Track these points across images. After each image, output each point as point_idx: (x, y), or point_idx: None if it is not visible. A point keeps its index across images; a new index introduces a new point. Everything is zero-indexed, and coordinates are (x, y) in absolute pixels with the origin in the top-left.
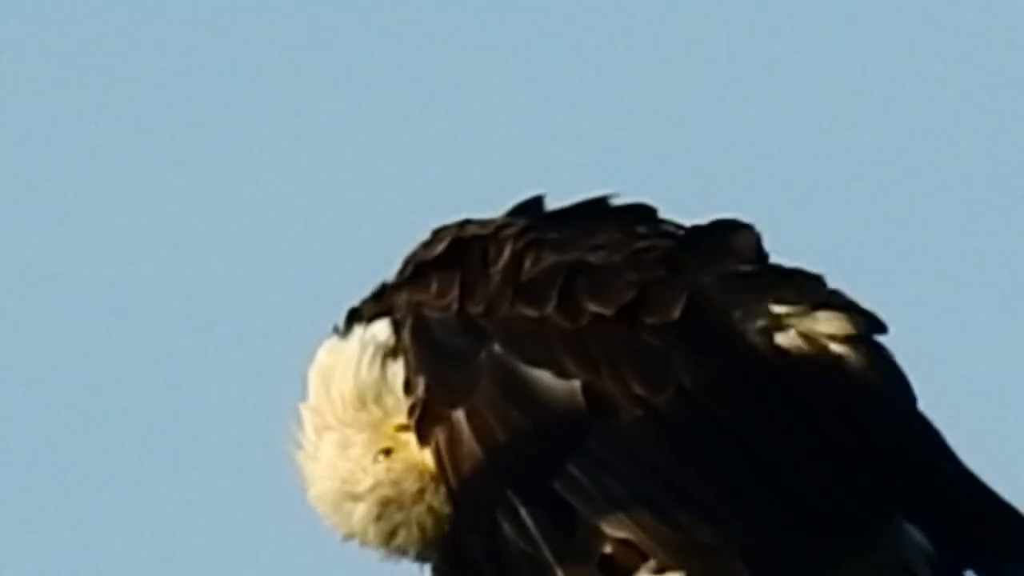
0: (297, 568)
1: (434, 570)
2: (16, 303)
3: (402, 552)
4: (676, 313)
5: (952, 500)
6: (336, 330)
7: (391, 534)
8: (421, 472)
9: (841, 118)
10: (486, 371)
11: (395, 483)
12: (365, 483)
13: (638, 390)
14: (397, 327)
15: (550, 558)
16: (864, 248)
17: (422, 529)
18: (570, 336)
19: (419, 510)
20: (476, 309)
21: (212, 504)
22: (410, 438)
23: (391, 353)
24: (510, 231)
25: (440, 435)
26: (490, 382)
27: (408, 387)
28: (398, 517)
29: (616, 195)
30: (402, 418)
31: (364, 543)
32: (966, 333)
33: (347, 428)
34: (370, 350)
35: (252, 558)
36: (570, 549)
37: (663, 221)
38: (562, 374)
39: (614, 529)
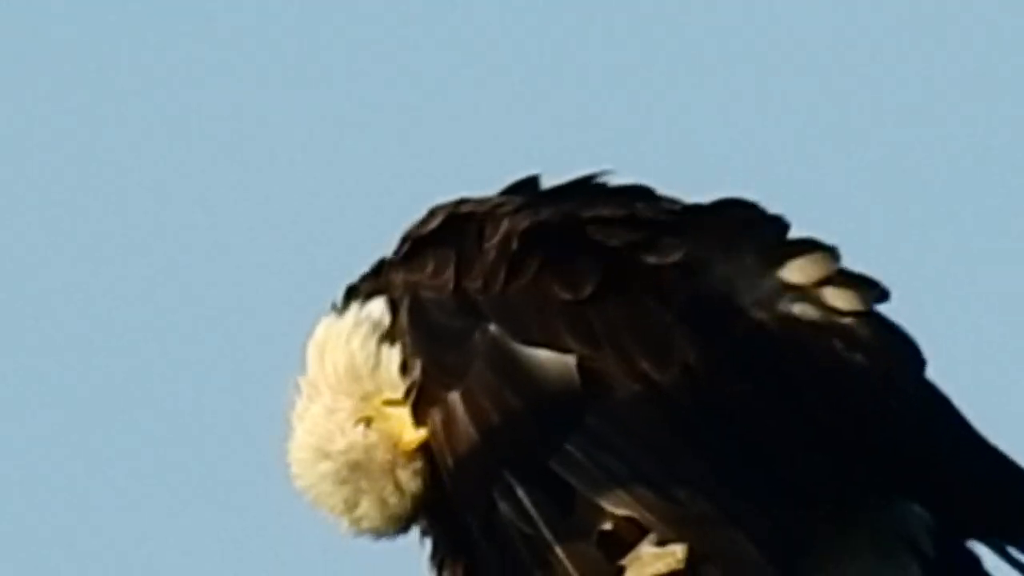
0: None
1: (432, 551)
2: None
3: (362, 525)
4: (679, 256)
5: (960, 469)
6: (334, 307)
7: (354, 502)
8: (395, 445)
9: (834, 95)
10: (481, 352)
11: (368, 450)
12: (339, 444)
13: (643, 366)
14: (394, 307)
15: (549, 537)
16: (865, 216)
17: (384, 503)
18: (571, 310)
19: (385, 483)
20: (473, 285)
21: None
22: (393, 412)
23: (387, 334)
24: (506, 209)
25: (436, 417)
26: (485, 363)
27: (405, 368)
28: (363, 485)
29: (611, 172)
30: (392, 394)
31: (329, 509)
32: (971, 297)
33: (338, 395)
34: (365, 326)
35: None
36: (568, 527)
37: (661, 198)
38: (564, 349)
39: (613, 506)
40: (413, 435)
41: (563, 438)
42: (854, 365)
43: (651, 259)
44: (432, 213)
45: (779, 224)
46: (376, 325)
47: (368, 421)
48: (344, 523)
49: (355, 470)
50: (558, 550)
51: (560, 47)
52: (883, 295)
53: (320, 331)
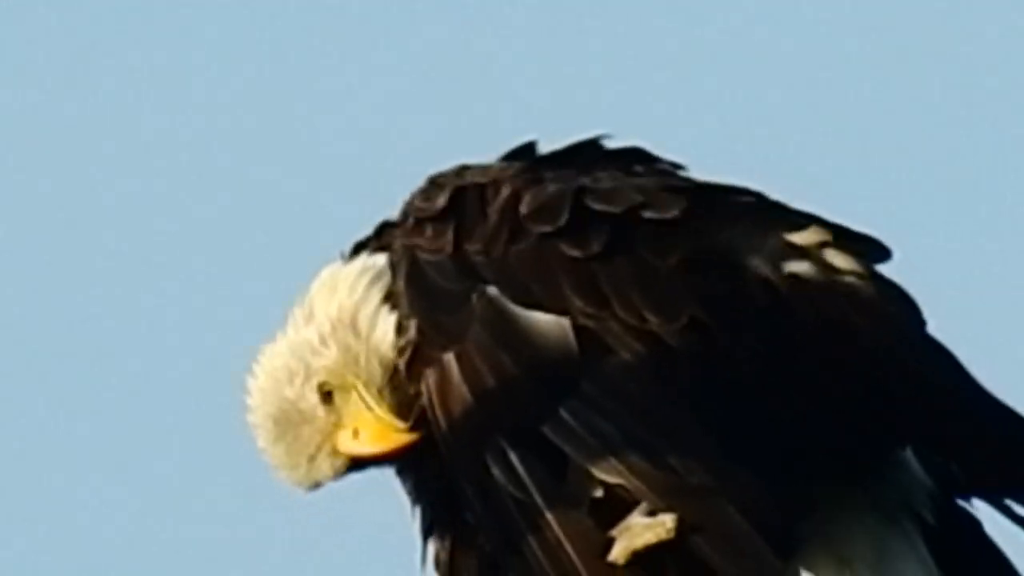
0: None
1: (421, 520)
2: None
3: (271, 461)
4: (678, 211)
5: (965, 423)
6: (342, 256)
7: (272, 442)
8: (329, 438)
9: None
10: (478, 315)
11: (309, 418)
12: (292, 392)
13: (650, 320)
14: (393, 269)
15: (540, 503)
16: (864, 175)
17: (295, 465)
18: (576, 267)
19: (303, 454)
20: (474, 247)
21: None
22: (356, 405)
23: (387, 296)
24: (507, 174)
25: (430, 377)
26: (481, 326)
27: (400, 329)
28: (288, 438)
29: (609, 136)
30: (367, 380)
31: (254, 428)
32: (972, 253)
33: (332, 335)
34: (370, 274)
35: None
36: (560, 494)
37: (660, 160)
38: (565, 311)
39: (604, 473)
40: (351, 445)
41: (558, 403)
42: (857, 323)
43: (650, 214)
44: (434, 183)
45: (778, 208)
46: (380, 275)
47: (330, 395)
48: (262, 449)
49: (289, 423)
50: (549, 516)
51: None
52: (885, 255)
53: (326, 274)
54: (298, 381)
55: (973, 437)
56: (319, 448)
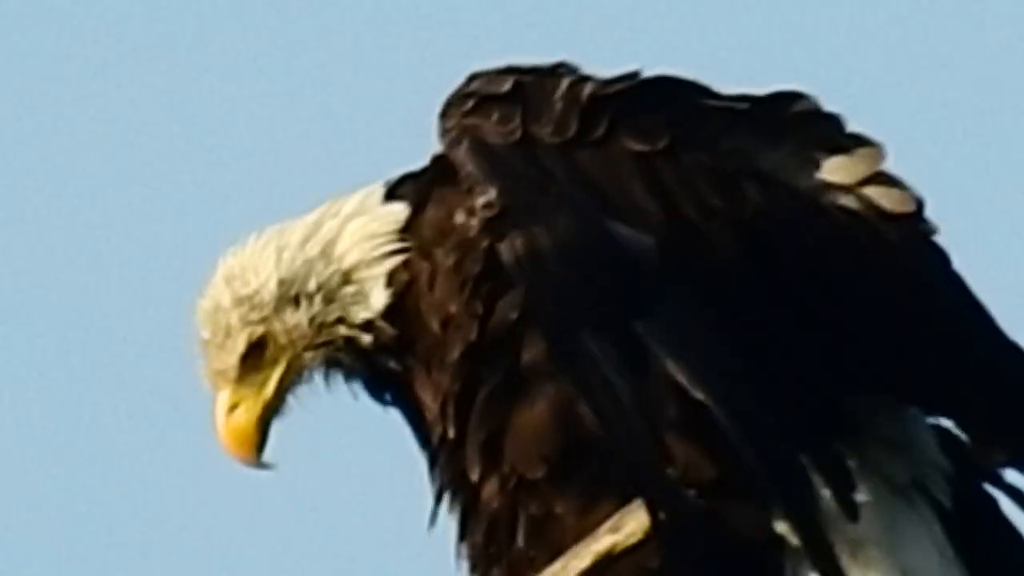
0: None
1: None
2: None
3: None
4: (746, 105)
5: (991, 375)
6: (386, 184)
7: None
8: (220, 378)
9: None
10: (563, 205)
11: (224, 341)
12: (230, 299)
13: (717, 204)
14: (439, 163)
15: (625, 385)
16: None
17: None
18: (644, 166)
19: (208, 365)
20: (543, 131)
21: None
22: (258, 389)
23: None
24: (563, 70)
25: (516, 239)
26: (569, 216)
27: (471, 191)
28: (205, 333)
29: (645, 70)
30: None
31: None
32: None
33: (321, 271)
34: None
35: None
36: (642, 387)
37: None
38: (636, 209)
39: (688, 385)
40: (220, 411)
41: (644, 308)
42: (891, 265)
43: (717, 103)
44: (475, 77)
45: (834, 121)
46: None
47: (259, 340)
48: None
49: (213, 328)
50: (630, 395)
51: None
52: (919, 204)
53: (364, 194)
54: (243, 293)
55: (994, 387)
56: (217, 378)
